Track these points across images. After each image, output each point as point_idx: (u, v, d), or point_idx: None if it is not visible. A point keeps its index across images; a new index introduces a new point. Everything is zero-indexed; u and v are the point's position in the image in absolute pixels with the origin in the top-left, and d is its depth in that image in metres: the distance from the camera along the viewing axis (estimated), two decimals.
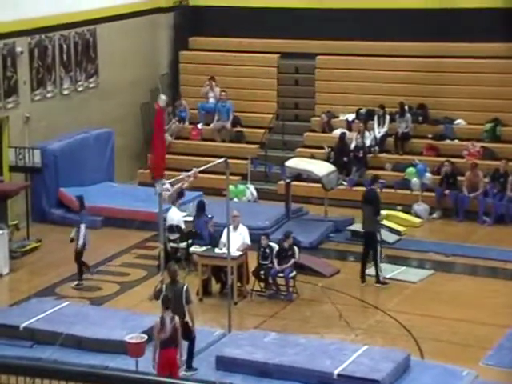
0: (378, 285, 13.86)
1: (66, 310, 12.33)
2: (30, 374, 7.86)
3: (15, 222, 15.94)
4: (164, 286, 10.81)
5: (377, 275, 13.87)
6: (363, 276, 13.96)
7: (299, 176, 17.24)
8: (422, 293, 13.73)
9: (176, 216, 14.69)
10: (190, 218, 14.89)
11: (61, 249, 15.55)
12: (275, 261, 13.62)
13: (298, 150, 18.71)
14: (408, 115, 18.26)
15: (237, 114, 19.62)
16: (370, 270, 14.42)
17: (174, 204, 14.74)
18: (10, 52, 16.72)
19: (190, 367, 10.85)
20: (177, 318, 10.02)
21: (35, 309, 12.31)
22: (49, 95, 17.61)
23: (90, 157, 17.66)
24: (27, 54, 17.08)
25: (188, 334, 10.61)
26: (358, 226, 16.14)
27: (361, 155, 18.04)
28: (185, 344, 10.59)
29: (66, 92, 18.04)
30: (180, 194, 14.70)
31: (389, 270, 14.25)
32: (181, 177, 13.05)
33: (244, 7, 20.00)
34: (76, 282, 14.07)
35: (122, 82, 19.22)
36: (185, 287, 10.66)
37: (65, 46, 17.94)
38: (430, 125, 18.43)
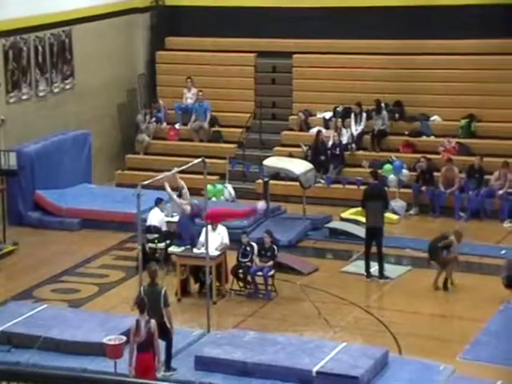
0: (381, 280, 13.93)
1: (43, 313, 12.26)
2: (7, 378, 7.84)
3: None
4: (142, 287, 10.80)
5: (381, 271, 13.96)
6: (369, 271, 14.02)
7: (277, 175, 17.27)
8: (399, 289, 13.81)
9: (156, 217, 14.67)
10: (172, 219, 14.86)
11: (38, 252, 15.52)
12: (257, 259, 13.66)
13: (276, 148, 18.75)
14: (384, 112, 18.36)
15: (214, 113, 19.62)
16: (349, 267, 14.53)
17: (158, 205, 14.75)
18: None
19: (168, 368, 10.85)
20: (152, 322, 9.99)
21: (12, 312, 12.23)
22: (24, 97, 17.51)
23: (66, 159, 17.59)
24: (2, 55, 16.98)
25: (166, 334, 10.61)
26: (336, 224, 16.27)
27: (338, 153, 18.12)
28: (162, 344, 10.59)
29: (41, 94, 17.94)
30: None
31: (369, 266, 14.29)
32: (160, 177, 13.01)
33: (220, 7, 20.01)
34: None
35: (98, 83, 19.16)
36: (163, 290, 10.66)
37: (40, 48, 17.85)
38: (407, 122, 18.54)
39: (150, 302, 10.31)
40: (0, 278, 14.71)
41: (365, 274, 14.13)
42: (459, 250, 13.71)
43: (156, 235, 14.59)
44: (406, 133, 18.42)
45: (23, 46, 17.45)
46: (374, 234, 14.10)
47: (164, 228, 14.69)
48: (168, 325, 10.66)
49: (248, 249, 13.73)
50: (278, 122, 19.54)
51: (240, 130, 19.42)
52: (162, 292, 10.63)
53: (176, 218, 14.87)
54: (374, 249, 14.25)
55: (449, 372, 10.93)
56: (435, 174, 17.25)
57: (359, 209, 15.41)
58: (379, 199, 14.22)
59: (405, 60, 18.71)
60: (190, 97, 19.79)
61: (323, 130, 18.56)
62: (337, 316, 12.77)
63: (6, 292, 13.92)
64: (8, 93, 17.15)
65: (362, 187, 16.31)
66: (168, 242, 14.56)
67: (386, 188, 17.04)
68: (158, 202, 14.79)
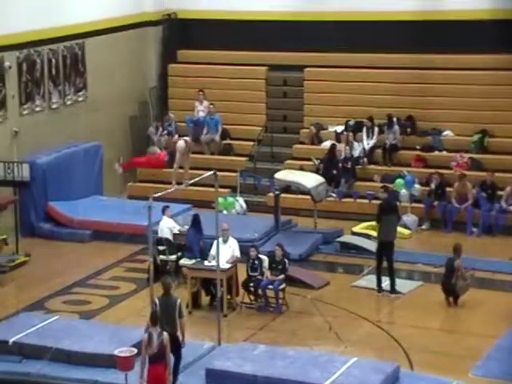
0: (393, 295, 13.90)
1: (54, 324, 12.28)
2: None
3: (3, 237, 15.87)
4: (156, 299, 10.77)
5: (393, 285, 13.95)
6: (380, 286, 14.00)
7: (288, 188, 17.29)
8: (411, 304, 13.76)
9: (166, 224, 14.68)
10: (183, 230, 14.90)
11: (50, 263, 15.56)
12: (268, 272, 13.64)
13: (287, 162, 18.76)
14: (396, 127, 18.35)
15: (225, 126, 19.67)
16: (360, 282, 14.49)
17: (165, 213, 14.78)
18: None
19: None
20: (165, 334, 9.97)
21: (24, 323, 12.24)
22: (37, 109, 17.61)
23: (78, 170, 17.66)
24: (16, 68, 17.09)
25: (176, 348, 10.55)
26: (347, 238, 16.25)
27: (349, 166, 18.12)
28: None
29: (54, 106, 18.04)
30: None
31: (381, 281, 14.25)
32: (171, 190, 13.06)
33: (232, 20, 20.10)
34: None
35: (110, 96, 19.25)
36: (178, 301, 10.67)
37: (53, 60, 17.97)
38: (418, 136, 18.53)
39: (165, 313, 10.30)
40: (12, 289, 14.73)
41: (376, 288, 14.08)
42: (465, 264, 13.65)
43: (165, 247, 14.61)
44: (418, 147, 18.41)
45: (37, 59, 17.57)
46: (387, 248, 14.07)
47: (175, 230, 14.66)
48: (180, 337, 10.62)
49: (256, 262, 13.73)
50: (289, 136, 19.56)
51: (251, 143, 19.45)
52: (178, 302, 10.62)
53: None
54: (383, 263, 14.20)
55: None
56: (447, 188, 17.22)
57: (371, 223, 15.39)
58: (393, 213, 14.27)
59: (417, 74, 18.72)
60: (201, 110, 19.86)
61: (336, 144, 18.56)
62: (348, 330, 12.73)
63: (18, 303, 13.93)
64: (21, 105, 17.25)
65: (374, 201, 16.31)
66: (179, 254, 14.58)
67: (398, 203, 17.07)
68: (165, 209, 14.82)
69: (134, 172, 19.52)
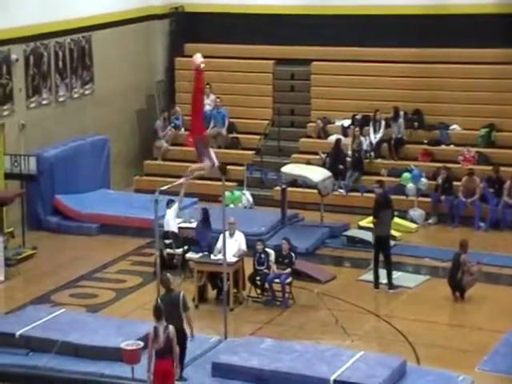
0: (391, 291, 13.88)
1: (61, 317, 12.31)
2: (25, 381, 7.96)
3: (10, 230, 15.93)
4: (159, 299, 10.76)
5: (391, 280, 13.92)
6: (378, 282, 13.97)
7: (295, 182, 17.28)
8: (417, 298, 13.76)
9: (172, 216, 14.68)
10: (189, 225, 14.90)
11: (56, 256, 15.60)
12: (274, 266, 13.65)
13: (294, 155, 18.75)
14: (401, 120, 18.30)
15: (232, 120, 19.67)
16: (366, 276, 14.48)
17: (169, 206, 14.79)
18: (5, 59, 16.75)
19: (180, 377, 10.65)
20: (171, 328, 9.98)
21: (31, 316, 12.28)
22: (44, 102, 17.63)
23: (85, 164, 17.68)
24: (22, 61, 17.11)
25: (182, 342, 10.55)
26: (353, 232, 16.23)
27: (356, 160, 18.08)
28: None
29: (61, 99, 18.06)
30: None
31: (385, 276, 14.23)
32: (178, 182, 13.05)
33: (239, 14, 20.07)
34: None
35: (117, 89, 19.26)
36: (181, 295, 10.66)
37: (60, 53, 17.98)
38: (426, 130, 18.49)
39: (169, 309, 10.28)
40: (19, 282, 14.78)
41: (373, 284, 14.04)
42: (471, 259, 13.63)
43: (171, 240, 14.62)
44: (425, 141, 18.37)
45: (43, 52, 17.58)
46: (384, 242, 14.05)
47: (179, 220, 14.67)
48: (188, 330, 10.62)
49: (263, 256, 13.73)
50: (296, 130, 19.55)
51: (258, 136, 19.45)
52: (181, 296, 10.62)
53: (193, 224, 14.91)
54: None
55: (467, 383, 10.86)
56: (454, 183, 17.18)
57: None
58: (389, 207, 14.26)
59: (424, 68, 18.67)
60: (208, 103, 19.80)
61: (341, 138, 18.54)
62: (354, 324, 12.73)
63: (25, 296, 14.00)
64: (28, 98, 17.27)
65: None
66: (186, 247, 14.60)
67: (405, 197, 17.06)
68: (170, 202, 14.84)
69: (140, 165, 19.53)
